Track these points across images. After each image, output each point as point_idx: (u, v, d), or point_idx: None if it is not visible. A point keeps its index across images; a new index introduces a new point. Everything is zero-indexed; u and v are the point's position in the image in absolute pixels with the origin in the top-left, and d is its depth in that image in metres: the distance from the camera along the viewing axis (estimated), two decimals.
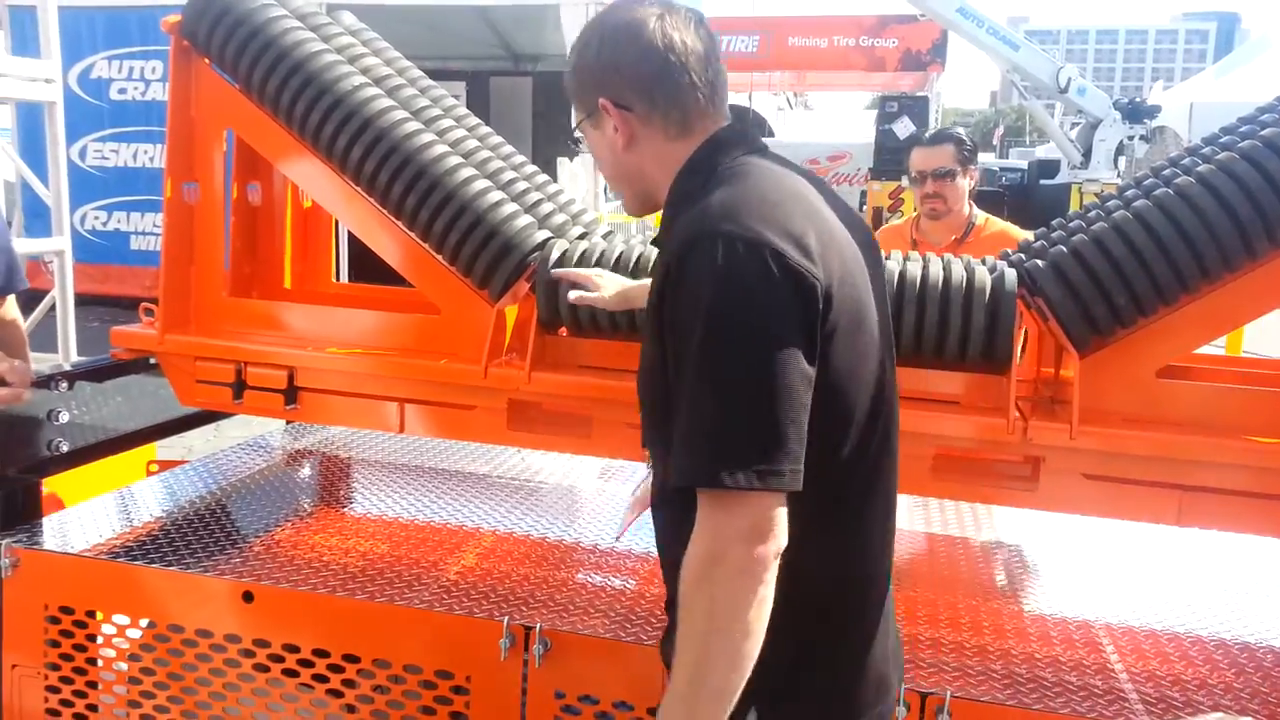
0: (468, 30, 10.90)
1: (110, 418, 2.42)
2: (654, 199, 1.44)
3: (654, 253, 1.96)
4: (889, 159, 13.81)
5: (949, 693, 1.69)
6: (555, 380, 2.04)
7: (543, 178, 2.29)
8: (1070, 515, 2.10)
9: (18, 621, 2.08)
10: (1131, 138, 15.07)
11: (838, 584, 1.36)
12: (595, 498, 2.64)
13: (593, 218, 2.28)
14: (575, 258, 2.01)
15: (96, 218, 10.03)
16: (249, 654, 1.97)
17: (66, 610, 2.06)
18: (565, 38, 8.74)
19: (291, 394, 2.22)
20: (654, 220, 2.37)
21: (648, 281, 1.68)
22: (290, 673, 1.95)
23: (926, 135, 3.45)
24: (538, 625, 1.82)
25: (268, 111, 2.18)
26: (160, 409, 2.50)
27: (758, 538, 1.17)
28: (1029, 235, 2.18)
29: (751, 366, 1.19)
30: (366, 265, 2.62)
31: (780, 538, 1.19)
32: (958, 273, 1.90)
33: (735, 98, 20.15)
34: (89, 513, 2.34)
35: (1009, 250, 2.08)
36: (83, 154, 9.86)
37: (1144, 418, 1.86)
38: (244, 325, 2.32)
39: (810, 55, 19.95)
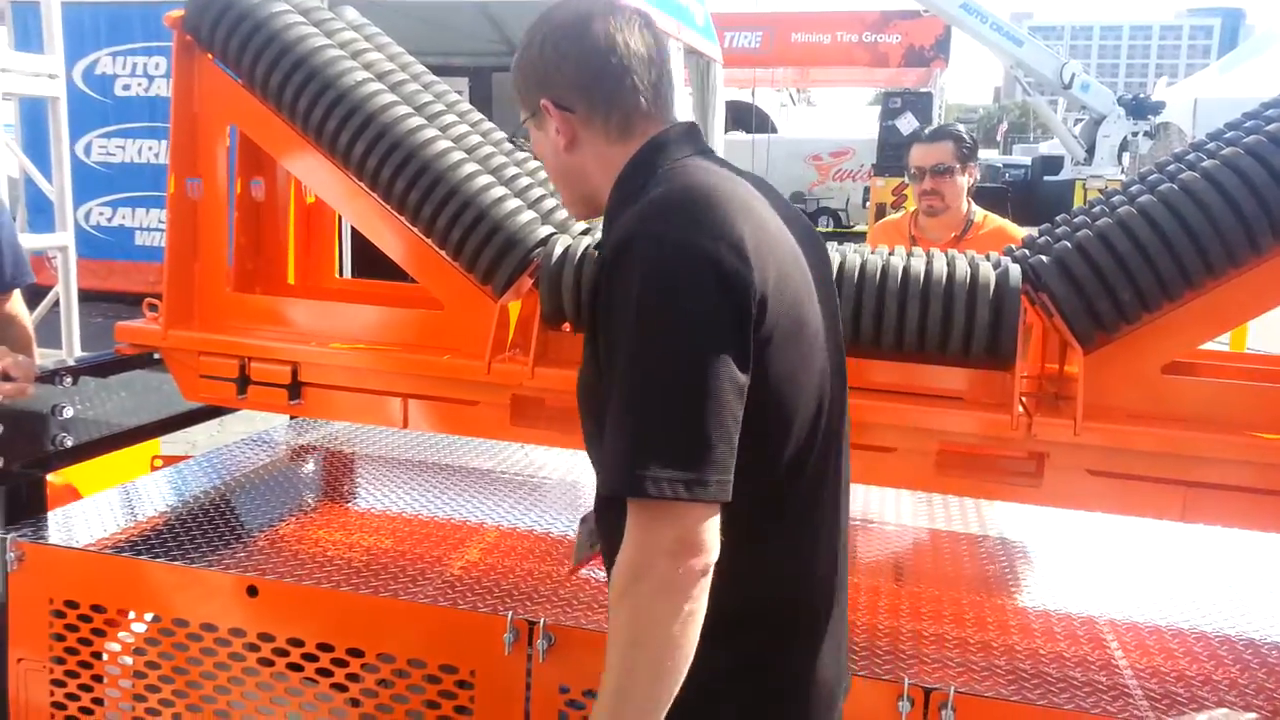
0: (470, 26, 10.89)
1: (114, 413, 2.42)
2: (596, 202, 1.41)
3: None
4: (892, 155, 13.83)
5: (953, 688, 1.69)
6: (558, 376, 2.04)
7: (546, 173, 2.29)
8: (1075, 511, 2.10)
9: (23, 616, 2.09)
10: (1135, 134, 15.05)
11: (784, 592, 1.33)
12: None
13: None
14: (579, 253, 2.01)
15: (101, 213, 10.05)
16: (253, 648, 1.97)
17: (72, 604, 2.07)
18: None
19: (295, 389, 2.22)
20: None
21: None
22: (294, 667, 1.96)
23: (926, 131, 3.45)
24: (541, 620, 1.83)
25: (271, 107, 2.18)
26: (164, 404, 2.50)
27: (684, 551, 1.14)
28: (1030, 232, 2.18)
29: (680, 374, 1.15)
30: (370, 261, 2.62)
31: (710, 550, 1.16)
32: (962, 268, 1.90)
33: (738, 94, 20.16)
34: (93, 507, 2.35)
35: (1013, 246, 2.08)
36: (88, 150, 9.88)
37: (1148, 414, 1.86)
38: (248, 321, 2.32)
39: (814, 51, 19.96)
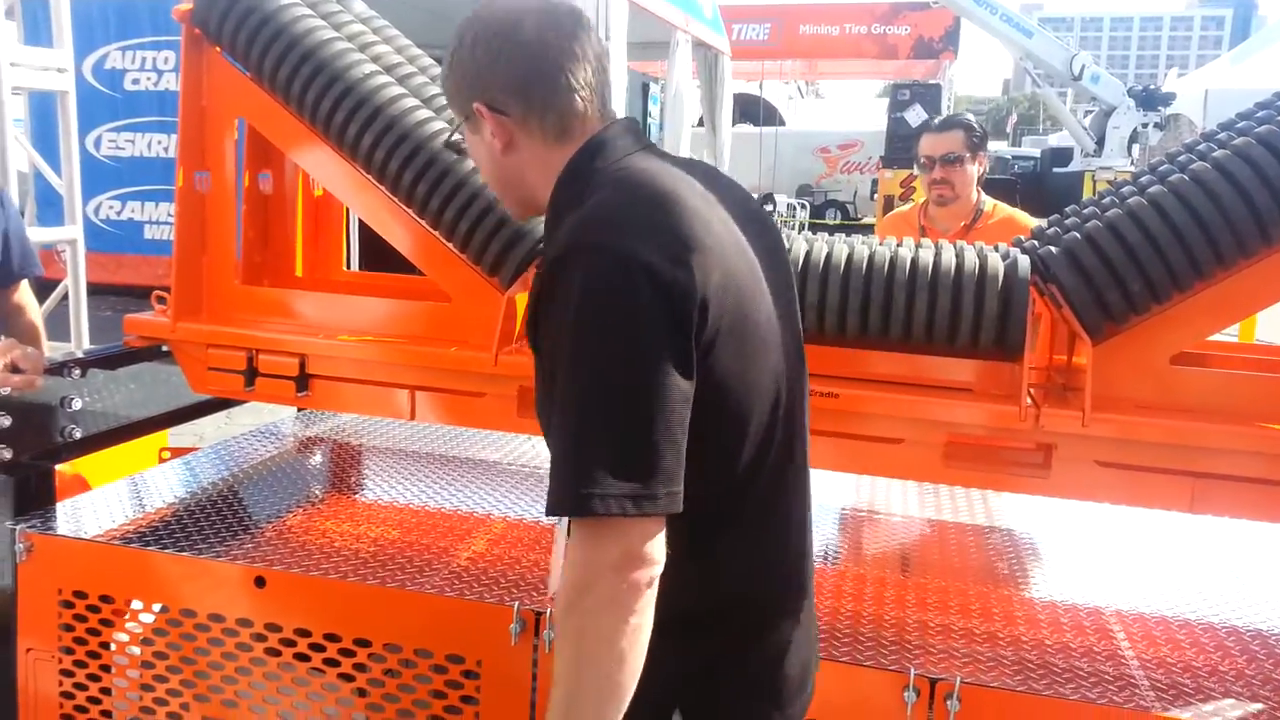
0: None
1: (123, 405, 2.43)
2: (536, 204, 1.38)
3: None
4: (900, 147, 13.77)
5: (959, 679, 1.69)
6: None
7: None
8: (1082, 502, 2.10)
9: (32, 606, 2.10)
10: (1145, 125, 14.99)
11: (752, 587, 1.32)
12: None
13: None
14: None
15: (111, 207, 10.08)
16: (261, 638, 1.98)
17: (80, 595, 2.08)
18: None
19: (303, 381, 2.23)
20: None
21: None
22: (302, 657, 1.96)
23: (936, 121, 3.44)
24: (547, 610, 1.83)
25: (279, 100, 2.18)
26: (172, 396, 2.51)
27: (630, 565, 1.12)
28: (1040, 222, 2.17)
29: (623, 387, 1.13)
30: (377, 254, 2.62)
31: (656, 563, 1.14)
32: (970, 259, 1.89)
33: (746, 86, 20.12)
34: (102, 499, 2.36)
35: (1022, 237, 2.07)
36: (97, 144, 9.91)
37: (1157, 405, 1.85)
38: (256, 313, 2.32)
39: (822, 43, 19.93)
